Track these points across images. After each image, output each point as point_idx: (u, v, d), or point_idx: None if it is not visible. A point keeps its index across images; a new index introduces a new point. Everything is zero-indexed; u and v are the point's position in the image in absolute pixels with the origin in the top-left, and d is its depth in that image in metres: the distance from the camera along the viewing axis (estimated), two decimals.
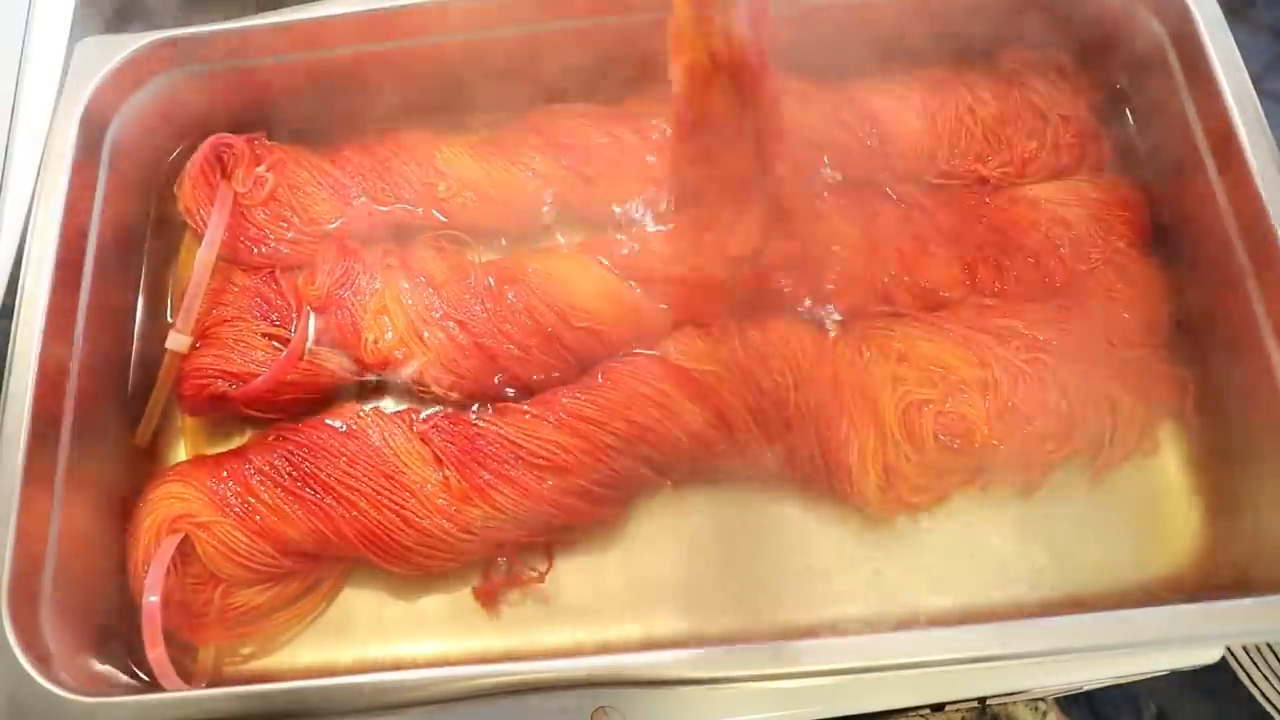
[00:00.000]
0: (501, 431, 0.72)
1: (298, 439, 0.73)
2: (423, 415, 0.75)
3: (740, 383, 0.73)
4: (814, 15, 0.82)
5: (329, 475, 0.71)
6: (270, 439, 0.74)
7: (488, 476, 0.71)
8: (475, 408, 0.76)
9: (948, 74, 0.86)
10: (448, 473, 0.71)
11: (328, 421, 0.74)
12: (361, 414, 0.75)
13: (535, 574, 0.73)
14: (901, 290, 0.78)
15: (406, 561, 0.72)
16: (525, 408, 0.74)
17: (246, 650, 0.74)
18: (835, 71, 0.85)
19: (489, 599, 0.74)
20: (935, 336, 0.75)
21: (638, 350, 0.76)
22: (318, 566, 0.74)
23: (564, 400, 0.74)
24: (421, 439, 0.73)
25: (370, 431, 0.73)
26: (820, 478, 0.74)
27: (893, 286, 0.78)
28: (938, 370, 0.74)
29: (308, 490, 0.71)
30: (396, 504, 0.71)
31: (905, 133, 0.83)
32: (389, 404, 0.78)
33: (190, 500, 0.71)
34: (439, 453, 0.72)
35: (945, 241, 0.79)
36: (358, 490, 0.71)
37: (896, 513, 0.74)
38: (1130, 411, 0.74)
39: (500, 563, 0.75)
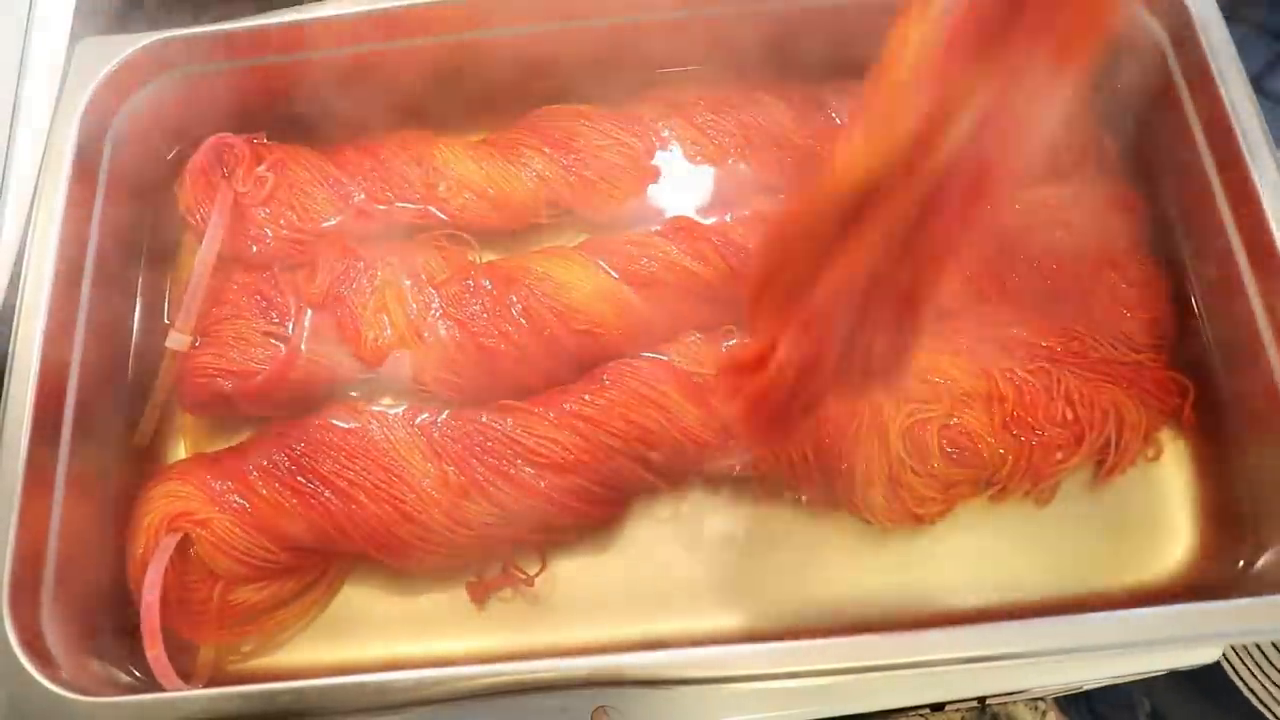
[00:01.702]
0: (501, 428, 0.72)
1: (297, 435, 0.73)
2: (423, 412, 0.75)
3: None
4: (787, 17, 0.82)
5: (328, 470, 0.71)
6: (270, 436, 0.74)
7: (486, 473, 0.71)
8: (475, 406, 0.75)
9: None
10: (447, 468, 0.71)
11: (328, 418, 0.74)
12: (361, 410, 0.75)
13: (528, 575, 0.73)
14: None
15: (404, 557, 0.72)
16: (525, 406, 0.74)
17: (246, 649, 0.74)
18: (805, 74, 0.85)
19: (480, 596, 0.74)
20: (939, 349, 0.74)
21: (639, 354, 0.76)
22: (316, 563, 0.74)
23: (565, 399, 0.74)
24: (421, 434, 0.73)
25: (370, 427, 0.73)
26: (823, 487, 0.73)
27: None
28: (942, 383, 0.73)
29: (307, 485, 0.71)
30: (395, 498, 0.71)
31: None
32: (388, 403, 0.78)
33: (189, 498, 0.71)
34: (438, 448, 0.72)
35: None
36: (356, 484, 0.71)
37: (903, 524, 0.73)
38: (1135, 418, 0.74)
39: (498, 563, 0.75)
